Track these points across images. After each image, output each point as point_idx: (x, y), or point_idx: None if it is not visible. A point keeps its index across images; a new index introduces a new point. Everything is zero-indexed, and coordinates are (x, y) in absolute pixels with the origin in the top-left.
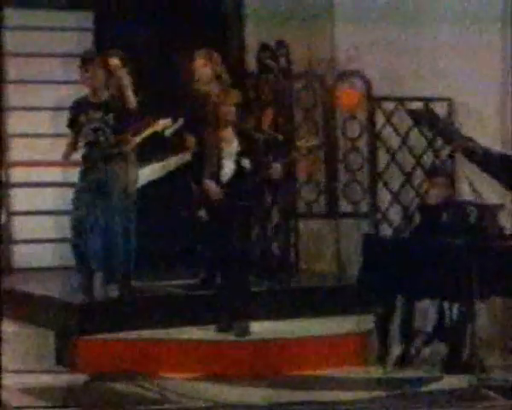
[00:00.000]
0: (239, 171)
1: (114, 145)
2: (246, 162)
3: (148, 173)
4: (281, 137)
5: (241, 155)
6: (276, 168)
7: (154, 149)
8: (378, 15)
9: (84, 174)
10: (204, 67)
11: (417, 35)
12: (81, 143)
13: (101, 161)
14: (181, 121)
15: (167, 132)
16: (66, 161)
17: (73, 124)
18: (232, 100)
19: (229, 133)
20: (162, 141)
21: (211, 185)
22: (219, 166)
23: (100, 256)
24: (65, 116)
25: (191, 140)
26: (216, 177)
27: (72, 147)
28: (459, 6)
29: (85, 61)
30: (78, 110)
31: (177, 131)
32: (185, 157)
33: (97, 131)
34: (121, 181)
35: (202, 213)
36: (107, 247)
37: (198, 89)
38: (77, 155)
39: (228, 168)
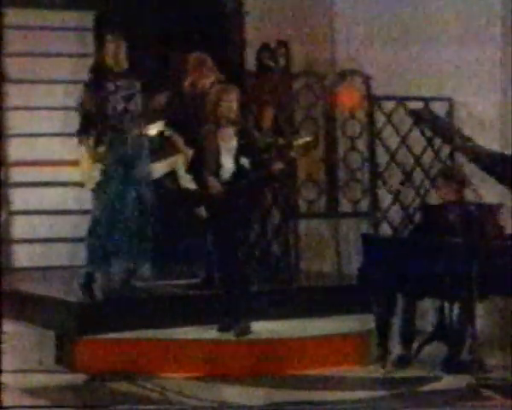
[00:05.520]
0: (238, 169)
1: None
2: (244, 161)
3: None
4: (282, 141)
5: (240, 153)
6: (278, 165)
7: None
8: (377, 15)
9: (114, 146)
10: (197, 73)
11: (417, 34)
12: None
13: (135, 134)
14: (161, 124)
15: (151, 132)
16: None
17: (97, 89)
18: (232, 97)
19: (229, 131)
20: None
21: (213, 181)
22: (219, 165)
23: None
24: (65, 116)
25: (179, 141)
26: (216, 175)
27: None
28: (460, 5)
29: (112, 33)
30: (103, 76)
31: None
32: (187, 156)
33: (130, 100)
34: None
35: (201, 211)
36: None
37: (193, 89)
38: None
39: (227, 166)
